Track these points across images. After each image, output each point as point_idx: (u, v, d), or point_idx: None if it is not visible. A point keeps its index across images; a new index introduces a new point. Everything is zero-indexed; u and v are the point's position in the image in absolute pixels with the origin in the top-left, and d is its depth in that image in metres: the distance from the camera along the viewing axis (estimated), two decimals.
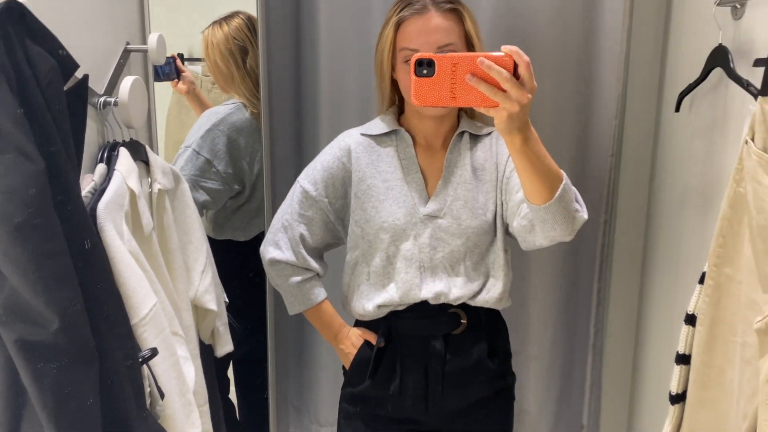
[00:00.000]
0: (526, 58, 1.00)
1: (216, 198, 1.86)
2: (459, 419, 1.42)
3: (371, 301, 1.40)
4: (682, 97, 1.49)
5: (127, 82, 1.27)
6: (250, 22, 1.80)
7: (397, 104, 1.43)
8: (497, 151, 1.39)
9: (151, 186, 1.37)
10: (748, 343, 1.09)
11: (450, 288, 1.37)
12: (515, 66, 1.01)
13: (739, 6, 1.29)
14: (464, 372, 1.40)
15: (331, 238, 1.47)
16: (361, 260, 1.42)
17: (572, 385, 1.84)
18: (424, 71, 1.03)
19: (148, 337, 1.15)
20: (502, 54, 1.00)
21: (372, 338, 1.43)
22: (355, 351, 1.44)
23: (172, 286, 1.36)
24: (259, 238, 1.90)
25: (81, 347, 0.84)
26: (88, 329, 0.85)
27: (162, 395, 1.14)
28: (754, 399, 1.06)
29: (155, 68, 1.60)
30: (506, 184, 1.36)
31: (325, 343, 1.77)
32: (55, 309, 0.81)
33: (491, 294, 1.39)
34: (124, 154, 1.26)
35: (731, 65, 1.26)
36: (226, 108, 1.83)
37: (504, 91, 1.00)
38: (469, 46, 1.31)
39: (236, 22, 1.82)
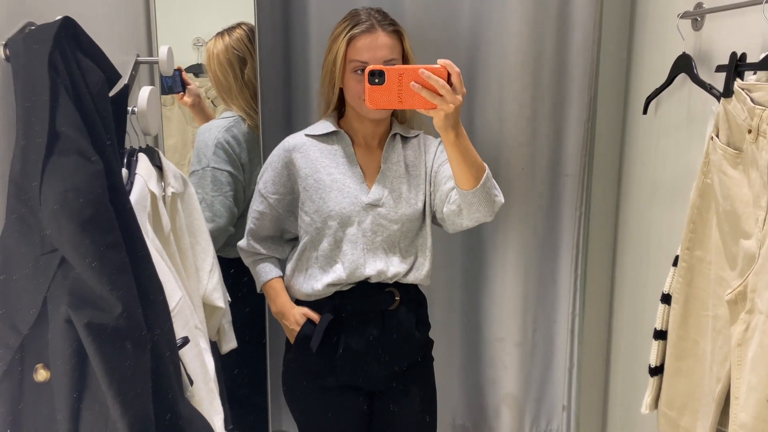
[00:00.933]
0: (457, 69, 1.29)
1: (240, 208, 1.84)
2: (393, 380, 1.61)
3: (320, 281, 1.57)
4: (648, 100, 1.64)
5: (144, 92, 1.34)
6: (251, 33, 1.81)
7: (336, 108, 1.61)
8: (425, 150, 1.62)
9: (165, 190, 1.44)
10: (719, 315, 1.24)
11: (388, 266, 1.56)
12: (449, 75, 1.29)
13: (698, 19, 1.45)
14: (397, 341, 1.59)
15: (285, 227, 1.66)
16: (309, 246, 1.60)
17: (554, 369, 1.96)
18: (376, 80, 1.31)
19: (177, 328, 1.22)
20: (438, 66, 1.29)
21: (314, 317, 1.59)
22: (298, 328, 1.60)
23: (188, 283, 1.43)
24: None
25: (138, 331, 0.92)
26: (141, 314, 0.93)
27: (191, 381, 1.22)
28: (725, 363, 1.20)
29: (161, 82, 1.66)
30: (434, 177, 1.59)
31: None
32: (118, 295, 0.88)
33: (420, 272, 1.60)
34: (143, 159, 1.34)
35: (695, 71, 1.41)
36: (225, 121, 1.84)
37: (441, 95, 1.29)
38: (405, 61, 1.53)
39: (237, 33, 1.83)
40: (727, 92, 1.20)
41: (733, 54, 1.19)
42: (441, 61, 1.29)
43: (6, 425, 0.93)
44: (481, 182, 1.42)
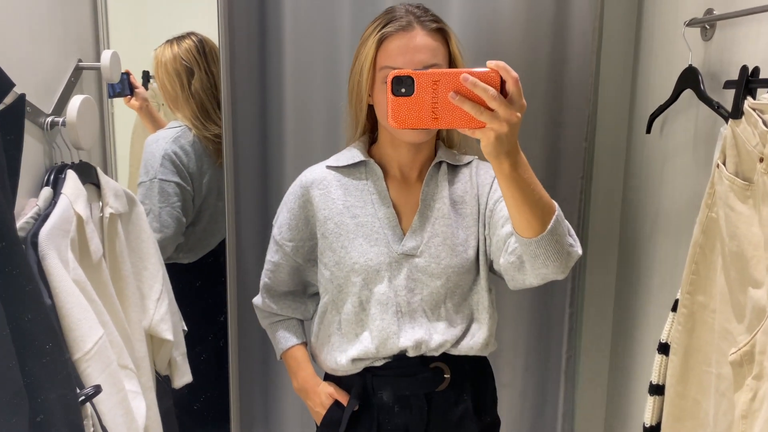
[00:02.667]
0: (515, 74, 0.90)
1: (188, 218, 1.83)
2: None
3: (344, 354, 1.27)
4: (653, 118, 1.46)
5: (75, 102, 1.21)
6: (200, 45, 1.81)
7: (369, 132, 1.32)
8: (477, 182, 1.29)
9: (102, 210, 1.30)
10: (723, 375, 1.05)
11: (431, 334, 1.24)
12: (502, 83, 0.91)
13: (708, 27, 1.27)
14: (449, 430, 1.28)
15: (307, 279, 1.38)
16: (330, 307, 1.30)
17: (545, 413, 1.79)
18: (403, 90, 0.93)
19: (92, 372, 1.08)
20: (487, 69, 0.91)
21: (343, 399, 1.30)
22: (324, 411, 1.31)
23: (123, 315, 1.29)
24: (205, 259, 1.88)
25: (5, 389, 0.77)
26: (15, 368, 0.78)
27: None
28: None
29: (107, 86, 1.55)
30: (490, 217, 1.25)
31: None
32: None
33: (476, 339, 1.27)
34: (71, 176, 1.20)
35: (702, 87, 1.24)
36: (172, 131, 1.82)
37: (491, 110, 0.90)
38: (452, 67, 1.21)
39: (186, 43, 1.80)
40: (736, 113, 1.02)
41: (744, 68, 1.02)
42: (492, 63, 0.91)
43: None
44: (549, 227, 1.04)
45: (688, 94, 1.33)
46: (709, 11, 1.27)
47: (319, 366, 1.35)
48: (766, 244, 0.94)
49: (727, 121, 1.07)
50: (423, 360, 1.26)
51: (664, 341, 1.21)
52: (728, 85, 1.08)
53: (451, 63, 1.22)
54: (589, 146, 1.66)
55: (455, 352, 1.26)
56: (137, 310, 1.37)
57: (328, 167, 1.30)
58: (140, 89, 1.84)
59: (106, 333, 1.13)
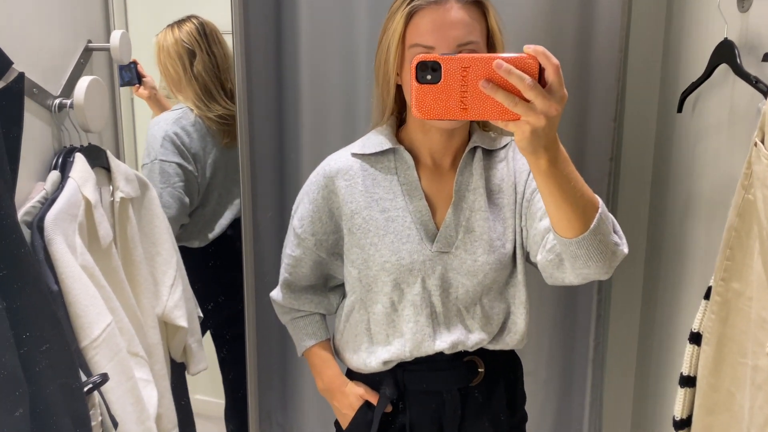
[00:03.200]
0: (556, 60, 0.80)
1: (193, 201, 1.82)
2: None
3: (374, 356, 1.20)
4: (684, 96, 1.39)
5: (83, 83, 1.18)
6: (201, 27, 1.81)
7: (395, 114, 1.20)
8: (515, 168, 1.19)
9: (113, 194, 1.27)
10: (760, 367, 0.99)
11: (467, 335, 1.17)
12: (541, 70, 0.82)
13: None
14: (481, 427, 1.23)
15: (330, 273, 1.30)
16: (358, 306, 1.21)
17: (571, 402, 1.74)
18: (428, 77, 0.84)
19: (100, 360, 1.05)
20: (524, 55, 0.82)
21: (374, 399, 1.22)
22: (352, 413, 1.23)
23: (134, 302, 1.26)
24: (215, 243, 1.86)
25: (7, 373, 0.74)
26: (13, 358, 0.75)
27: (115, 424, 1.04)
28: (766, 428, 0.96)
29: (119, 73, 1.54)
30: (527, 208, 1.16)
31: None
32: None
33: (512, 335, 1.21)
34: (80, 159, 1.17)
35: (738, 60, 1.16)
36: (174, 113, 1.82)
37: (527, 100, 0.81)
38: (491, 48, 1.09)
39: (187, 26, 1.81)
40: None
41: None
42: (530, 48, 0.81)
43: None
44: (591, 227, 0.95)
45: (722, 69, 1.26)
46: None
47: (344, 364, 1.29)
48: None
49: (766, 97, 1.01)
50: (457, 355, 1.19)
51: (696, 330, 1.15)
52: (767, 57, 1.01)
53: (489, 40, 1.09)
54: (617, 126, 1.58)
55: (491, 347, 1.21)
56: (150, 296, 1.35)
57: (354, 155, 1.19)
58: (148, 78, 1.84)
59: (115, 320, 1.11)
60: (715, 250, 1.22)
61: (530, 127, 0.83)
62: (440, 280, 1.15)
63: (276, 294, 1.34)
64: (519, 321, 1.20)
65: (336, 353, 1.30)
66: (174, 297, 1.40)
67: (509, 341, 1.21)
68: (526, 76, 0.80)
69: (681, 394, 1.18)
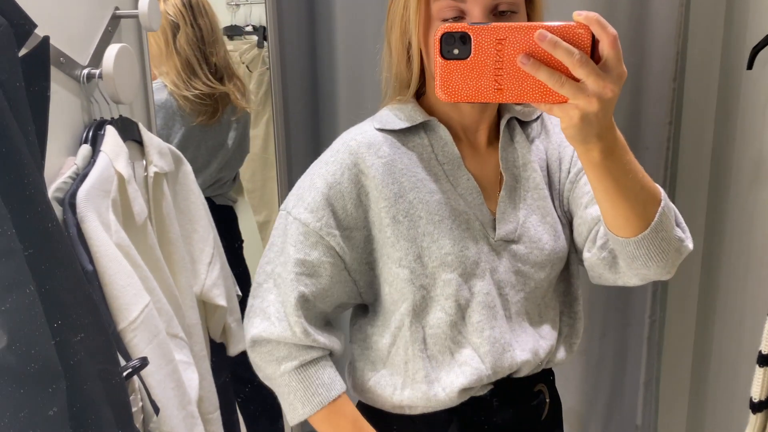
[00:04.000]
0: (613, 30, 0.66)
1: None
2: None
3: (439, 384, 0.96)
4: (756, 51, 1.29)
5: (111, 51, 1.11)
6: (188, 0, 1.76)
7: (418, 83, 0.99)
8: (557, 139, 1.03)
9: (146, 169, 1.22)
10: None
11: (538, 341, 0.99)
12: (594, 42, 0.68)
13: None
14: None
15: (347, 293, 1.00)
16: (409, 321, 0.96)
17: (625, 382, 1.68)
18: (456, 51, 0.70)
19: (139, 342, 1.00)
20: (574, 24, 0.67)
21: None
22: None
23: (172, 281, 1.21)
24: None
25: (38, 366, 0.69)
26: (49, 344, 0.70)
27: (157, 410, 0.99)
28: None
29: None
30: (570, 191, 1.00)
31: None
32: (2, 321, 0.66)
33: (574, 342, 1.04)
34: (111, 133, 1.11)
35: None
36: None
37: (576, 79, 0.67)
38: (532, 13, 0.93)
39: None
40: None
41: None
42: (581, 16, 0.67)
43: None
44: (653, 224, 0.82)
45: None
46: None
47: (371, 404, 1.02)
48: None
49: None
50: (522, 382, 1.00)
51: (765, 353, 1.06)
52: None
53: (530, 4, 0.93)
54: (678, 87, 1.51)
55: (550, 365, 1.03)
56: (187, 275, 1.30)
57: (380, 130, 0.98)
58: None
59: (153, 300, 1.06)
60: None
61: (580, 112, 0.68)
62: (507, 274, 0.97)
63: (270, 329, 0.96)
64: (577, 323, 1.05)
65: (362, 394, 1.04)
66: (212, 275, 1.35)
67: (568, 350, 1.04)
68: (576, 50, 0.66)
69: (760, 374, 1.09)
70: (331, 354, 1.01)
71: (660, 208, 0.83)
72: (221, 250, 1.43)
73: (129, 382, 0.93)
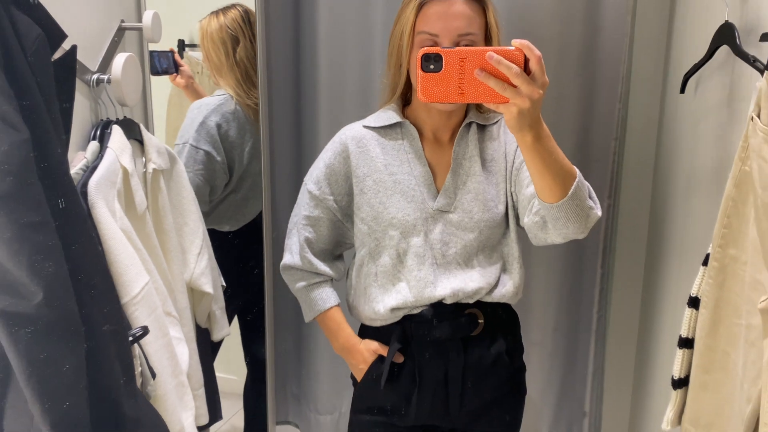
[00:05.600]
0: (538, 52, 0.96)
1: (217, 189, 1.86)
2: (476, 418, 1.37)
3: (382, 304, 1.33)
4: (687, 77, 1.45)
5: (120, 59, 1.25)
6: (246, 15, 1.83)
7: (402, 95, 1.36)
8: (505, 140, 1.35)
9: (145, 165, 1.35)
10: (753, 325, 1.06)
11: (466, 282, 1.31)
12: (526, 61, 0.97)
13: None
14: (483, 373, 1.35)
15: (341, 237, 1.42)
16: (367, 260, 1.36)
17: (575, 372, 1.81)
18: (431, 66, 1.00)
19: (140, 315, 1.13)
20: (512, 48, 0.97)
21: (385, 352, 1.35)
22: (366, 367, 1.36)
23: (166, 266, 1.34)
24: (245, 229, 1.91)
25: (65, 320, 0.82)
26: (74, 303, 0.83)
27: (153, 375, 1.12)
28: (758, 381, 1.03)
29: (152, 62, 1.60)
30: (516, 176, 1.31)
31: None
32: (38, 281, 0.79)
33: (507, 288, 1.34)
34: (117, 131, 1.25)
35: (738, 41, 1.23)
36: (216, 99, 1.85)
37: (514, 86, 0.96)
38: (488, 40, 1.26)
39: (232, 13, 1.83)
40: None
41: None
42: (516, 42, 0.96)
43: None
44: (570, 193, 1.12)
45: (723, 52, 1.33)
46: None
47: (357, 318, 1.41)
48: None
49: (762, 74, 1.07)
50: (458, 307, 1.32)
51: (694, 295, 1.22)
52: (764, 37, 1.07)
53: (487, 33, 1.25)
54: (622, 107, 1.65)
55: (488, 299, 1.33)
56: (178, 263, 1.43)
57: (366, 127, 1.36)
58: (185, 67, 1.87)
59: (151, 280, 1.19)
60: (714, 222, 1.30)
61: (517, 109, 0.98)
62: (441, 234, 1.30)
63: (291, 260, 1.41)
64: (513, 276, 1.35)
65: (351, 310, 1.42)
66: (201, 264, 1.48)
67: (504, 293, 1.34)
68: (513, 66, 0.95)
69: (680, 354, 1.25)
70: (332, 279, 1.43)
71: (575, 182, 1.12)
72: (209, 243, 1.56)
73: (131, 347, 1.06)
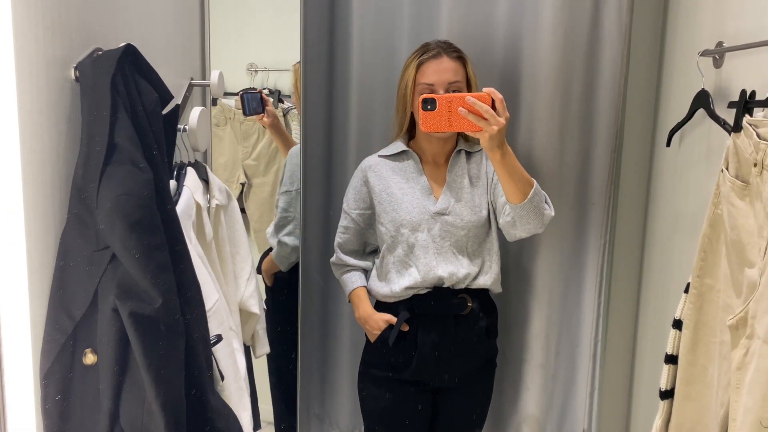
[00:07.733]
0: (500, 95, 1.46)
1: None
2: (459, 380, 1.76)
3: (397, 284, 1.74)
4: (672, 133, 1.69)
5: (195, 112, 1.48)
6: None
7: (408, 131, 1.78)
8: (486, 164, 1.77)
9: (209, 202, 1.57)
10: (725, 341, 1.27)
11: (458, 268, 1.71)
12: (493, 102, 1.46)
13: (718, 57, 1.51)
14: (467, 344, 1.75)
15: (366, 239, 1.86)
16: (386, 253, 1.77)
17: (576, 392, 2.00)
18: (428, 107, 1.51)
19: (212, 326, 1.33)
20: (483, 93, 1.47)
21: (395, 322, 1.74)
22: (379, 332, 1.76)
23: (226, 288, 1.55)
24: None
25: (175, 322, 1.03)
26: (179, 309, 1.04)
27: (222, 377, 1.32)
28: (729, 388, 1.24)
29: (243, 104, 1.83)
30: (493, 189, 1.74)
31: (346, 350, 2.05)
32: (159, 289, 1.00)
33: (489, 275, 1.75)
34: (191, 172, 1.47)
35: (712, 106, 1.47)
36: None
37: (485, 119, 1.45)
38: (468, 84, 1.68)
39: None
40: (737, 127, 1.26)
41: (743, 91, 1.25)
42: (486, 90, 1.47)
43: (57, 402, 1.05)
44: (529, 196, 1.57)
45: (701, 112, 1.57)
46: (720, 44, 1.51)
47: (376, 296, 1.80)
48: (758, 232, 1.18)
49: (730, 134, 1.31)
50: (453, 291, 1.73)
51: (677, 318, 1.44)
52: (731, 105, 1.32)
53: (468, 81, 1.69)
54: (617, 157, 1.89)
55: (474, 285, 1.74)
56: (233, 286, 1.63)
57: (380, 156, 1.80)
58: (271, 108, 2.07)
59: (220, 297, 1.40)
60: (693, 256, 1.52)
61: (488, 134, 1.47)
62: (439, 231, 1.71)
63: (332, 258, 1.89)
64: (493, 266, 1.76)
65: (373, 292, 1.82)
66: (249, 288, 1.69)
67: (487, 280, 1.74)
68: (485, 105, 1.45)
69: (666, 369, 1.46)
70: (365, 270, 1.88)
71: (533, 189, 1.57)
72: (255, 270, 1.78)
73: (211, 350, 1.26)
